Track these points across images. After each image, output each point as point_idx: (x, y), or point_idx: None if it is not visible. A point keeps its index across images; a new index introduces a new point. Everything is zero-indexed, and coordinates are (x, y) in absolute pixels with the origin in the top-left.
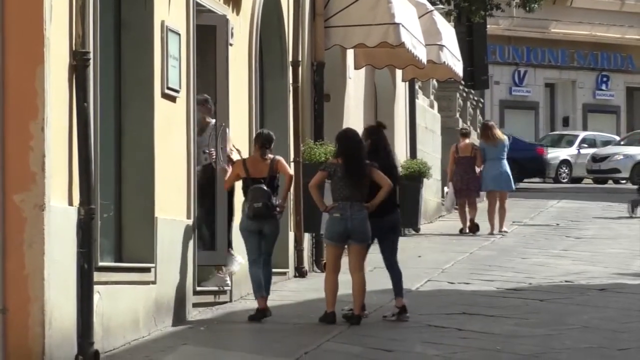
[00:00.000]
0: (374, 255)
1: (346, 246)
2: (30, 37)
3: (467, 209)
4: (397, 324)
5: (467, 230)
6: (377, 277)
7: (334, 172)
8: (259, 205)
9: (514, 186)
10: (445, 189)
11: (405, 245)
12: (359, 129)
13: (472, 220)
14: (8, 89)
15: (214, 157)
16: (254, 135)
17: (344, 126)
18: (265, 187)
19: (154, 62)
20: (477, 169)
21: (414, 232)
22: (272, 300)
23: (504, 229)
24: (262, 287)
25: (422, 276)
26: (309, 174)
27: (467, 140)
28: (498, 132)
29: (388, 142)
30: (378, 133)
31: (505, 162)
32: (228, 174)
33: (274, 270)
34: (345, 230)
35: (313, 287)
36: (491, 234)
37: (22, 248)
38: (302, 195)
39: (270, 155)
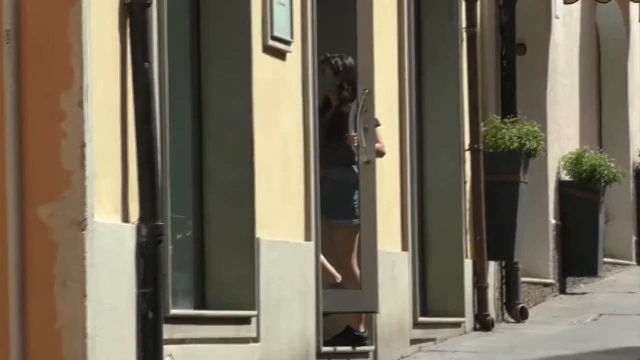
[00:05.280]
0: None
1: None
2: None
3: None
4: None
5: None
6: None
7: None
8: None
9: None
10: None
11: None
12: (572, 97)
13: None
14: (27, 42)
15: (356, 142)
16: (405, 107)
17: (548, 93)
18: None
19: None
20: None
21: None
22: None
23: None
24: None
25: None
26: (495, 168)
27: None
28: None
29: None
30: None
31: None
32: None
33: (441, 319)
34: None
35: (503, 345)
36: None
37: (51, 288)
38: (484, 202)
39: None
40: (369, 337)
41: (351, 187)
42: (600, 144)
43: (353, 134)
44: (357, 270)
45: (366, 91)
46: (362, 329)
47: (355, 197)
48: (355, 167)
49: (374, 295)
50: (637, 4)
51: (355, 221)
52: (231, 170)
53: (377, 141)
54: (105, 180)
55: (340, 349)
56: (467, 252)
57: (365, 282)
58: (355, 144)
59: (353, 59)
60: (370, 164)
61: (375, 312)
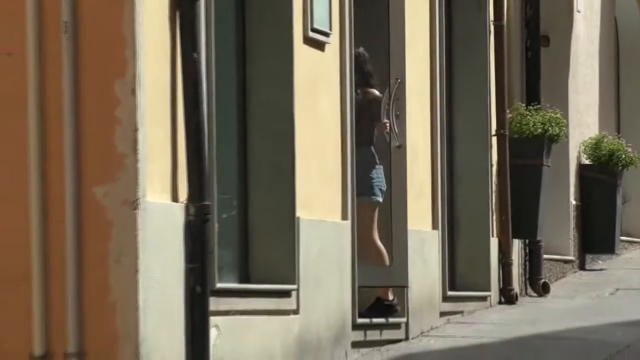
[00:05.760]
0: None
1: None
2: None
3: None
4: None
5: None
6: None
7: None
8: None
9: None
10: None
11: None
12: (592, 86)
13: None
14: (84, 33)
15: (388, 128)
16: (437, 95)
17: (570, 82)
18: None
19: None
20: None
21: None
22: (467, 338)
23: None
24: None
25: None
26: (520, 153)
27: None
28: None
29: None
30: None
31: None
32: None
33: (469, 293)
34: None
35: (527, 317)
36: None
37: (106, 263)
38: (509, 184)
39: None
40: (399, 305)
41: (370, 165)
42: (618, 130)
43: (385, 121)
44: (379, 244)
45: (398, 80)
46: (390, 297)
47: (374, 174)
48: (372, 147)
49: (404, 270)
50: None
51: (374, 198)
52: (273, 153)
53: None
54: (156, 162)
55: (374, 320)
56: (493, 230)
57: (395, 258)
58: (387, 130)
59: (382, 49)
60: (401, 148)
61: (405, 286)
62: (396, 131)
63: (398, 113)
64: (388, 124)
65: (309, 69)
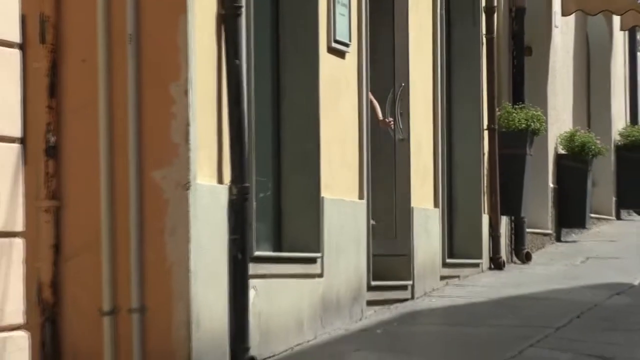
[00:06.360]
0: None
1: None
2: None
3: None
4: (616, 325)
5: None
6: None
7: None
8: None
9: None
10: None
11: (626, 230)
12: (567, 89)
13: None
14: (145, 44)
15: (392, 125)
16: (438, 96)
17: (549, 86)
18: None
19: (318, 9)
20: None
21: (635, 215)
22: (462, 298)
23: None
24: None
25: None
26: (507, 144)
27: None
28: None
29: None
30: None
31: None
32: None
33: (464, 260)
34: None
35: (512, 281)
36: None
37: (163, 235)
38: (498, 170)
39: None
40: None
41: None
42: (589, 125)
43: (390, 119)
44: None
45: (402, 85)
46: None
47: None
48: None
49: (405, 241)
50: (619, 16)
51: None
52: (301, 144)
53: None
54: (204, 150)
55: (386, 282)
56: (485, 208)
57: (399, 232)
58: (392, 127)
59: (390, 58)
60: (404, 141)
61: (407, 255)
62: (400, 127)
63: (402, 112)
64: (392, 122)
65: (331, 74)
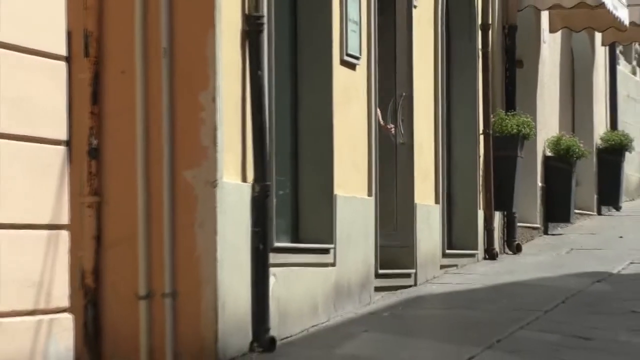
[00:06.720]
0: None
1: None
2: None
3: None
4: (598, 309)
5: None
6: (576, 258)
7: None
8: None
9: None
10: None
11: (606, 224)
12: (554, 98)
13: None
14: (177, 56)
15: (393, 130)
16: (438, 103)
17: (538, 95)
18: None
19: (332, 26)
20: None
21: (614, 211)
22: (460, 284)
23: None
24: None
25: (624, 258)
26: (500, 147)
27: None
28: None
29: None
30: None
31: None
32: None
33: (462, 251)
34: None
35: (505, 269)
36: None
37: (193, 228)
38: (492, 170)
39: None
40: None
41: None
42: (573, 131)
43: (391, 125)
44: None
45: (404, 94)
46: None
47: None
48: None
49: (409, 234)
50: (600, 33)
51: None
52: (317, 147)
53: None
54: (230, 153)
55: (391, 271)
56: (480, 205)
57: (400, 226)
58: (393, 133)
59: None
60: (406, 144)
61: (410, 246)
62: (402, 132)
63: (403, 118)
64: (393, 128)
65: (343, 84)
